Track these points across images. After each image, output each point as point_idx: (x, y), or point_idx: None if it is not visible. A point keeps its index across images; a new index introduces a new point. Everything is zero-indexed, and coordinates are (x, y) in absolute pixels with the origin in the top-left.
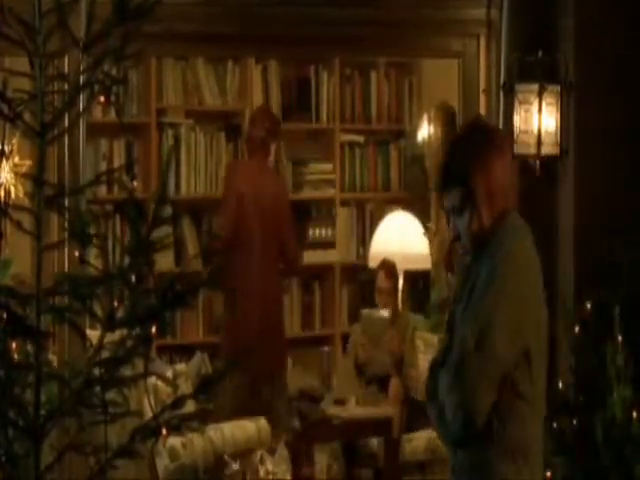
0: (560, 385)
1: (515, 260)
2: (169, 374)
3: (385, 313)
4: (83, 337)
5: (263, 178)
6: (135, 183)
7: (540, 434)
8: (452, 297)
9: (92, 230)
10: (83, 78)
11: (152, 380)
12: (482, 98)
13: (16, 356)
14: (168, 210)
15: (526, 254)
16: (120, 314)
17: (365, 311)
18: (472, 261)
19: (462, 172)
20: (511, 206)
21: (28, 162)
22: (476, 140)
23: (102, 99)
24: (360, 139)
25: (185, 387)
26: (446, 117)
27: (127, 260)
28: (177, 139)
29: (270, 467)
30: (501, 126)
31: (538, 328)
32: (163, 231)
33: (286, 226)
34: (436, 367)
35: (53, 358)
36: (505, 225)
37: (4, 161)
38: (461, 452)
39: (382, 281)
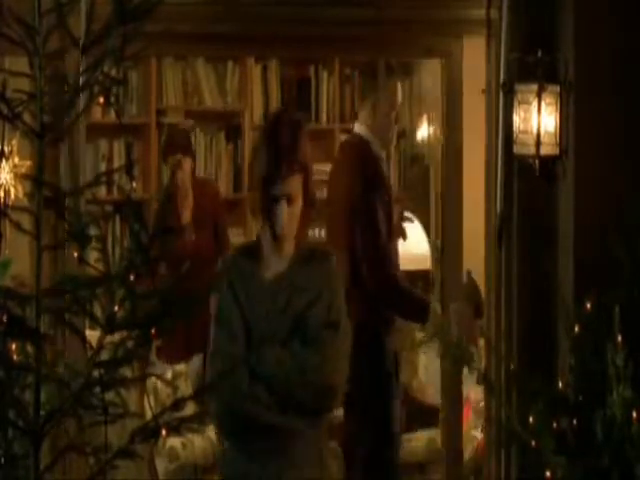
0: (560, 385)
1: None
2: (169, 375)
3: None
4: (83, 338)
5: None
6: (134, 184)
7: None
8: None
9: (91, 231)
10: (83, 78)
11: (152, 381)
12: (482, 98)
13: (15, 357)
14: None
15: None
16: (120, 315)
17: None
18: None
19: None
20: None
21: (28, 163)
22: None
23: (102, 100)
24: None
25: (185, 388)
26: None
27: (126, 261)
28: None
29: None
30: (500, 126)
31: None
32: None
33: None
34: None
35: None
36: None
37: (4, 162)
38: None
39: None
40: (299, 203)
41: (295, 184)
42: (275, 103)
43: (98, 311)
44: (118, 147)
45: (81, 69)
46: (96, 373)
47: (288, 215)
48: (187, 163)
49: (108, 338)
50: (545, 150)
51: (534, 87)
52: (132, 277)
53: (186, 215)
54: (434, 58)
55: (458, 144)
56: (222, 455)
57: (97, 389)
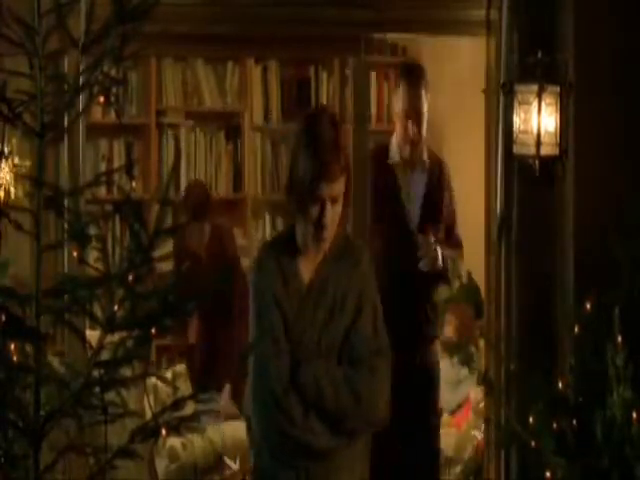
0: (560, 385)
1: None
2: (169, 375)
3: None
4: (82, 338)
5: None
6: (134, 184)
7: None
8: None
9: (91, 231)
10: (82, 78)
11: (152, 381)
12: (482, 98)
13: (15, 357)
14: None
15: None
16: (120, 315)
17: None
18: None
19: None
20: None
21: (28, 163)
22: None
23: (101, 100)
24: None
25: (184, 388)
26: None
27: (126, 261)
28: (177, 140)
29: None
30: (500, 126)
31: None
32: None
33: None
34: None
35: (52, 359)
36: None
37: (3, 162)
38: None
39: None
40: (341, 203)
41: (340, 185)
42: (275, 103)
43: (98, 311)
44: (118, 147)
45: (81, 69)
46: (96, 373)
47: (332, 215)
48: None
49: (108, 338)
50: (545, 150)
51: (534, 87)
52: (131, 277)
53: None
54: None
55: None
56: (256, 458)
57: (97, 389)
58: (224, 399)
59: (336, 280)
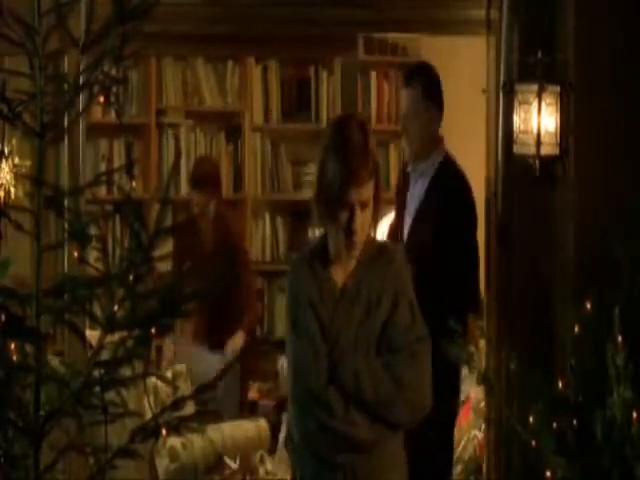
0: (560, 385)
1: None
2: (169, 374)
3: None
4: (82, 338)
5: None
6: (134, 183)
7: None
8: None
9: (91, 231)
10: (82, 78)
11: (152, 380)
12: (482, 98)
13: (15, 357)
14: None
15: None
16: (120, 315)
17: None
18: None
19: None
20: None
21: (28, 162)
22: None
23: (102, 99)
24: None
25: (185, 388)
26: None
27: (126, 261)
28: (177, 139)
29: (270, 467)
30: (501, 126)
31: None
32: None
33: None
34: None
35: (53, 359)
36: None
37: (4, 161)
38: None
39: None
40: (371, 207)
41: (369, 190)
42: (275, 103)
43: (98, 311)
44: (118, 147)
45: (81, 69)
46: (96, 373)
47: (362, 220)
48: (202, 200)
49: (108, 338)
50: (545, 150)
51: (534, 87)
52: (131, 277)
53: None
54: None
55: None
56: (301, 471)
57: (97, 389)
58: (232, 346)
59: (369, 283)
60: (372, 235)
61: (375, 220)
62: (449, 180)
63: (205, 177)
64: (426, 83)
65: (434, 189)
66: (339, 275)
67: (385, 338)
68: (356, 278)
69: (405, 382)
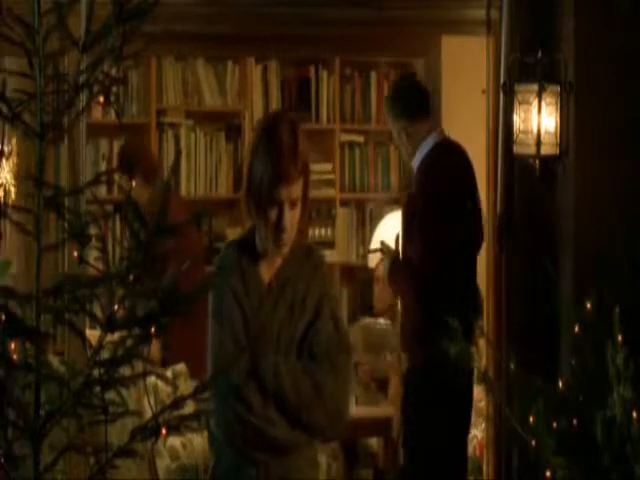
0: (560, 385)
1: None
2: (169, 374)
3: (383, 321)
4: (82, 338)
5: None
6: (134, 183)
7: None
8: None
9: (91, 231)
10: (82, 78)
11: (152, 380)
12: (483, 98)
13: (15, 357)
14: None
15: None
16: (120, 314)
17: (365, 321)
18: None
19: None
20: None
21: (28, 162)
22: None
23: (101, 99)
24: (360, 139)
25: (184, 387)
26: None
27: (126, 261)
28: (177, 139)
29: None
30: (501, 126)
31: None
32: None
33: None
34: None
35: (53, 359)
36: None
37: (3, 161)
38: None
39: (381, 270)
40: (299, 206)
41: (298, 188)
42: (275, 103)
43: (98, 310)
44: (118, 147)
45: (81, 69)
46: (96, 372)
47: (290, 218)
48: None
49: (108, 337)
50: (545, 150)
51: (534, 87)
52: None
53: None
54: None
55: None
56: (216, 461)
57: (97, 388)
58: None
59: (295, 283)
60: (303, 234)
61: (304, 219)
62: (417, 175)
63: (129, 158)
64: (388, 101)
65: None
66: (265, 271)
67: (307, 342)
68: (282, 276)
69: (325, 390)
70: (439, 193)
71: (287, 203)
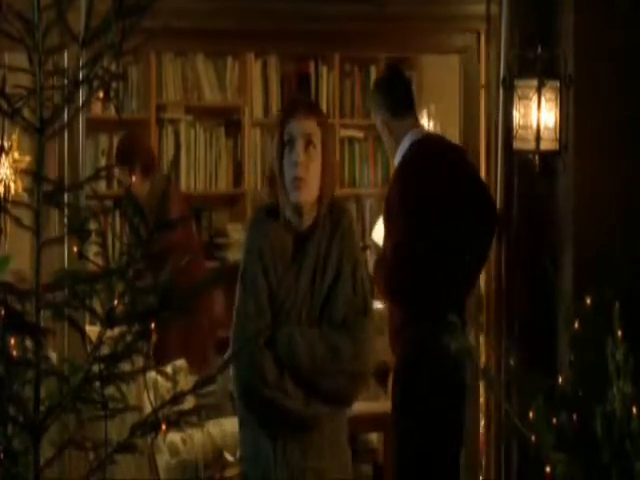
0: (559, 380)
1: None
2: (169, 369)
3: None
4: (82, 333)
5: None
6: (134, 179)
7: None
8: None
9: (91, 226)
10: (82, 73)
11: (152, 375)
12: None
13: (14, 352)
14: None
15: None
16: (119, 310)
17: None
18: None
19: None
20: None
21: (27, 158)
22: None
23: (101, 95)
24: (360, 134)
25: (184, 382)
26: None
27: (126, 256)
28: (177, 135)
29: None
30: (500, 121)
31: None
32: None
33: None
34: None
35: (52, 354)
36: None
37: (3, 157)
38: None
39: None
40: (319, 157)
41: (311, 126)
42: (275, 99)
43: (98, 306)
44: (118, 142)
45: (80, 64)
46: (96, 368)
47: (306, 160)
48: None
49: (108, 333)
50: (545, 145)
51: (534, 82)
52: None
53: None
54: (446, 54)
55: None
56: (242, 435)
57: (97, 384)
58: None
59: (318, 245)
60: (327, 198)
61: (325, 178)
62: (395, 172)
63: (128, 152)
64: (373, 96)
65: None
66: (289, 238)
67: (327, 309)
68: (307, 241)
69: (341, 352)
70: (410, 192)
71: (301, 139)
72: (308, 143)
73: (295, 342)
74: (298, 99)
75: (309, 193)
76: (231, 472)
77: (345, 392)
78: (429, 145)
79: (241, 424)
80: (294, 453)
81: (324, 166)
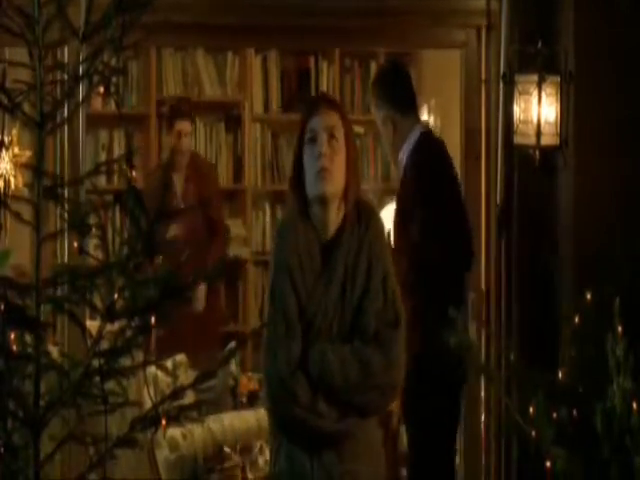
0: (560, 376)
1: None
2: (169, 364)
3: None
4: (82, 328)
5: None
6: (135, 173)
7: None
8: None
9: (91, 221)
10: (82, 68)
11: (152, 370)
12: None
13: (15, 347)
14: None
15: None
16: (120, 305)
17: None
18: None
19: None
20: None
21: (28, 152)
22: None
23: (101, 90)
24: (360, 129)
25: (184, 377)
26: None
27: (126, 250)
28: None
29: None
30: (501, 117)
31: None
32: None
33: None
34: None
35: (52, 349)
36: None
37: (4, 151)
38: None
39: None
40: (342, 151)
41: (333, 120)
42: (275, 94)
43: (98, 300)
44: (118, 137)
45: (80, 59)
46: (96, 362)
47: (330, 153)
48: (190, 129)
49: (108, 327)
50: (545, 140)
51: (534, 78)
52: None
53: (180, 185)
54: (446, 49)
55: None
56: (277, 448)
57: (97, 378)
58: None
59: (346, 254)
60: (352, 192)
61: (350, 170)
62: (412, 159)
63: (187, 107)
64: (375, 92)
65: None
66: (317, 245)
67: (357, 324)
68: (334, 253)
69: (373, 368)
70: (438, 173)
71: (323, 133)
72: (331, 137)
73: (328, 361)
74: (319, 96)
75: (334, 184)
76: (231, 467)
77: (376, 405)
78: (436, 137)
79: (274, 439)
80: (330, 457)
81: (348, 159)
